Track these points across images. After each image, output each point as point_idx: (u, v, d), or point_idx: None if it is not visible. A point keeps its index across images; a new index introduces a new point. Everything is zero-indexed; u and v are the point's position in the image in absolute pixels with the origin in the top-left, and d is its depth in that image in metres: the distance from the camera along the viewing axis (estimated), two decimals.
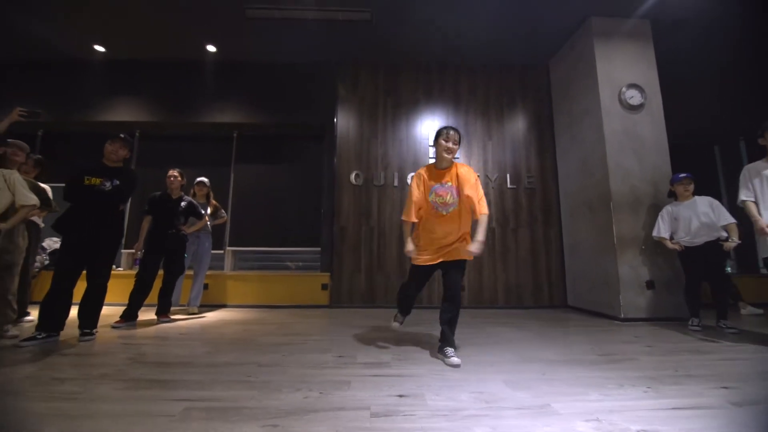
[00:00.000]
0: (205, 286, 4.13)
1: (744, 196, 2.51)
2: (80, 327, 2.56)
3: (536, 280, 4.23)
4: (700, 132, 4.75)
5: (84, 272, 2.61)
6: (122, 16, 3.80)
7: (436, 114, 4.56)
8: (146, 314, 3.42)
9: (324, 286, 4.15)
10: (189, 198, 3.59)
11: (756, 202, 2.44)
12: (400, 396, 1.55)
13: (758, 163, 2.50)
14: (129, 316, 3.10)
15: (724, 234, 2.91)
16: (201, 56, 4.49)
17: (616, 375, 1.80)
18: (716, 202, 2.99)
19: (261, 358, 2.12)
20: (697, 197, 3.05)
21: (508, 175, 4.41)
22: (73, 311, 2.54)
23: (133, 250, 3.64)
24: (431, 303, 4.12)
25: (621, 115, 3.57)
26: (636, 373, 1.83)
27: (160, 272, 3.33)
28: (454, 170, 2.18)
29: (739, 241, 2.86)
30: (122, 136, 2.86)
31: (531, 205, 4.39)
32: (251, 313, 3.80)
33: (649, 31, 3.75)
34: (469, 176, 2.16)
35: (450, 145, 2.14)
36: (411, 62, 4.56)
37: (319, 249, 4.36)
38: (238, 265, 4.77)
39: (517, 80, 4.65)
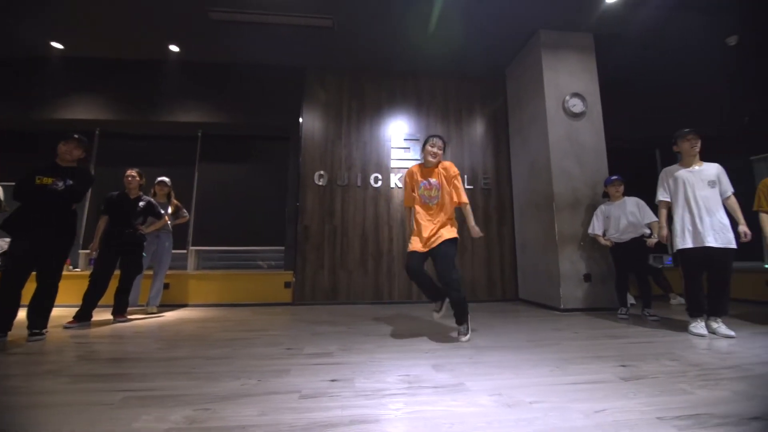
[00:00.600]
0: (166, 286, 4.13)
1: (661, 196, 2.81)
2: (29, 327, 2.55)
3: (490, 276, 4.49)
4: (642, 136, 5.15)
5: (34, 273, 2.60)
6: (81, 12, 3.73)
7: (398, 117, 4.73)
8: (103, 315, 3.41)
9: (287, 284, 4.24)
10: (148, 198, 3.59)
11: (671, 202, 2.75)
12: (332, 380, 1.68)
13: (673, 167, 2.80)
14: (82, 317, 3.08)
15: (648, 231, 3.22)
16: (164, 56, 4.46)
17: (535, 357, 2.01)
18: (642, 203, 3.30)
19: (211, 352, 2.21)
20: (626, 198, 3.36)
21: (465, 176, 4.64)
22: (23, 312, 2.53)
23: (88, 251, 3.60)
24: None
25: (564, 121, 3.85)
26: (553, 355, 2.05)
27: (117, 272, 3.34)
28: (439, 168, 2.60)
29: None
30: (76, 136, 2.86)
31: (487, 205, 4.64)
32: (213, 311, 3.84)
33: (592, 43, 4.06)
34: (450, 172, 2.58)
35: (435, 150, 2.58)
36: (375, 68, 4.72)
37: (283, 248, 4.44)
38: (202, 264, 4.77)
39: (476, 86, 4.89)
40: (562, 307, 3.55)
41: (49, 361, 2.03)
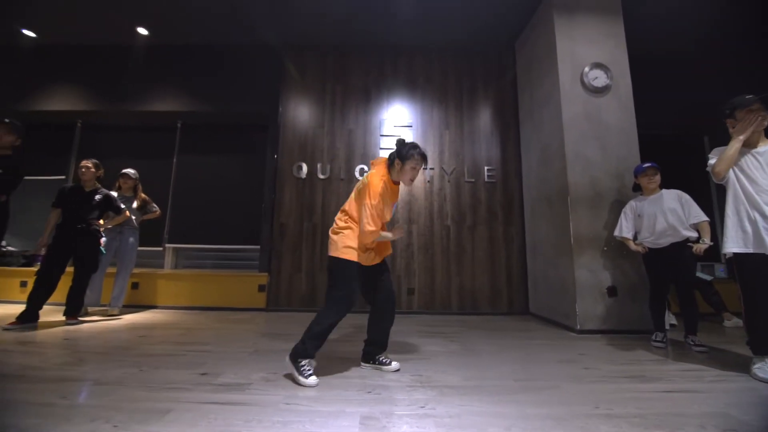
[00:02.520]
0: (135, 285, 3.85)
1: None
2: None
3: (494, 284, 3.81)
4: (685, 120, 4.26)
5: None
6: None
7: (389, 102, 4.17)
8: (56, 315, 3.15)
9: (261, 288, 3.81)
10: (106, 191, 3.29)
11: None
12: None
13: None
14: (26, 318, 2.83)
15: (695, 234, 2.46)
16: (132, 40, 4.18)
17: (515, 413, 1.41)
18: (686, 196, 2.54)
19: (111, 373, 1.80)
20: (665, 191, 2.61)
21: (466, 168, 4.00)
22: None
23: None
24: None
25: (583, 98, 3.13)
26: (543, 409, 1.44)
27: (69, 270, 3.05)
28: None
29: (711, 243, 2.42)
30: (7, 120, 2.60)
31: (491, 201, 3.97)
32: (177, 315, 3.49)
33: (619, 4, 3.30)
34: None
35: (416, 175, 1.96)
36: (360, 45, 4.18)
37: (258, 247, 4.02)
38: (183, 263, 4.47)
39: (479, 64, 4.23)
40: (578, 327, 2.84)
41: None
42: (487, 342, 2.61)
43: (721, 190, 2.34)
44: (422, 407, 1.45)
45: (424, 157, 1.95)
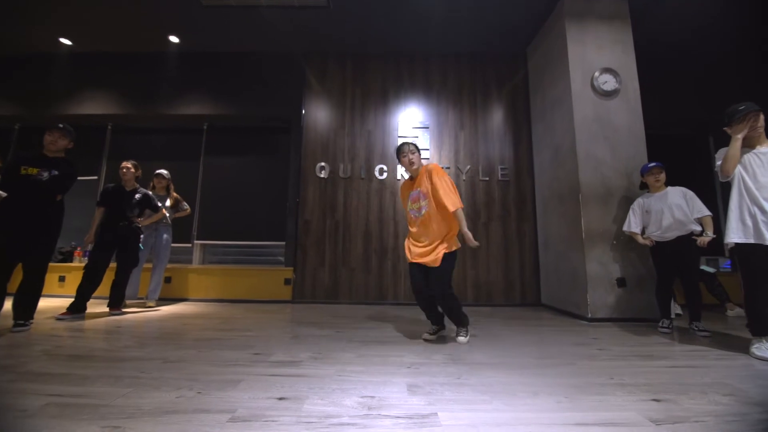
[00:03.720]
0: (168, 280, 4.08)
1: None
2: (14, 318, 2.52)
3: (508, 277, 4.02)
4: (691, 120, 4.43)
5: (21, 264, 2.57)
6: (86, 7, 3.75)
7: (406, 104, 4.37)
8: (101, 307, 3.39)
9: (287, 281, 4.04)
10: (144, 190, 3.53)
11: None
12: (280, 399, 1.41)
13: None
14: (76, 309, 3.06)
15: (699, 228, 2.65)
16: (165, 47, 4.41)
17: (539, 381, 1.62)
18: (690, 193, 2.73)
19: (174, 353, 2.02)
20: (669, 188, 2.80)
21: (480, 167, 4.20)
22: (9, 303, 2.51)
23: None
24: (396, 299, 3.97)
25: (593, 101, 3.32)
26: (564, 379, 1.65)
27: (113, 265, 3.29)
28: (422, 175, 2.30)
29: (714, 236, 2.61)
30: (61, 126, 2.82)
31: (504, 198, 4.17)
32: (210, 307, 3.73)
33: (627, 11, 3.47)
34: (432, 172, 2.26)
35: (408, 158, 2.31)
36: (379, 51, 4.39)
37: (284, 243, 4.24)
38: (210, 258, 4.71)
39: (492, 69, 4.42)
40: (589, 316, 3.04)
41: (11, 356, 1.93)
42: (506, 328, 2.82)
43: (725, 187, 2.51)
44: (458, 378, 1.66)
45: (399, 146, 2.38)
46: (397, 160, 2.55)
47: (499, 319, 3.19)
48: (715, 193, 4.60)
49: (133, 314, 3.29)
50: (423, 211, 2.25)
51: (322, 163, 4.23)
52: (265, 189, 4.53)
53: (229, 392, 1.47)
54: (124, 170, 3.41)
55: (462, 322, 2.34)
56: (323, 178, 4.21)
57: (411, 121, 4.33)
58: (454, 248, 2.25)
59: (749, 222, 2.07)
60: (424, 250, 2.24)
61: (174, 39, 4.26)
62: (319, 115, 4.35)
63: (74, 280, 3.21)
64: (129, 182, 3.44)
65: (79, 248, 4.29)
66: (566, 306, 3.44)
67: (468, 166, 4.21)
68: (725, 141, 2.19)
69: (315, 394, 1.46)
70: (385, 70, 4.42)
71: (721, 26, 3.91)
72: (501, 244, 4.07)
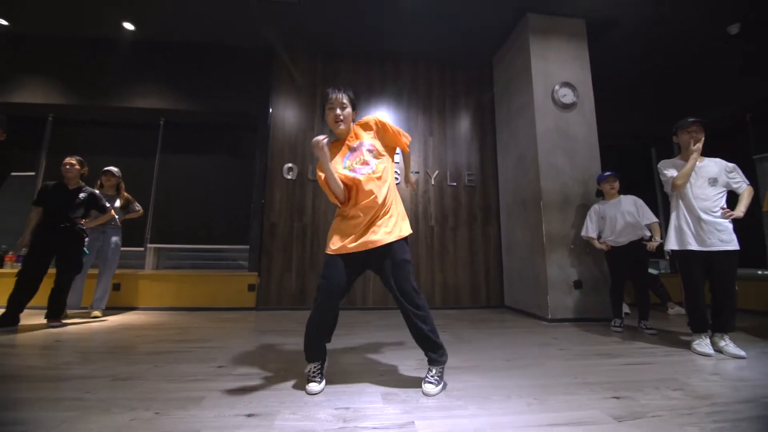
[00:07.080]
0: (116, 287, 3.74)
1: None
2: None
3: (474, 281, 4.13)
4: (637, 133, 4.84)
5: None
6: None
7: (377, 106, 4.37)
8: (37, 318, 3.03)
9: (251, 287, 3.86)
10: (90, 189, 3.21)
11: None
12: (249, 415, 1.32)
13: (670, 160, 2.47)
14: (6, 321, 2.72)
15: (648, 233, 2.89)
16: (118, 34, 4.06)
17: (510, 384, 1.66)
18: (640, 201, 2.97)
19: (124, 369, 1.84)
20: (622, 196, 3.03)
21: (448, 172, 4.29)
22: None
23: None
24: (365, 304, 3.94)
25: (554, 112, 3.52)
26: (533, 381, 1.70)
27: (52, 271, 2.95)
28: (356, 128, 1.69)
29: (661, 240, 2.84)
30: None
31: (471, 203, 4.28)
32: (165, 316, 3.46)
33: (584, 30, 3.73)
34: (379, 123, 1.69)
35: (335, 113, 1.60)
36: (350, 51, 4.35)
37: (247, 247, 4.05)
38: (164, 264, 4.38)
39: (461, 74, 4.54)
40: (549, 317, 3.20)
41: None
42: (475, 331, 2.88)
43: (666, 195, 2.78)
44: None
45: (327, 95, 1.65)
46: None
47: (467, 322, 3.26)
48: (656, 201, 5.04)
49: (76, 326, 2.97)
50: (374, 167, 1.60)
51: (290, 164, 4.09)
52: (227, 190, 4.30)
53: (191, 411, 1.35)
54: (68, 167, 3.09)
55: (438, 359, 1.63)
56: (291, 179, 4.08)
57: None
58: (408, 231, 1.67)
59: (686, 230, 2.28)
60: (368, 227, 1.58)
61: (129, 26, 3.92)
62: (287, 114, 4.22)
63: (5, 288, 2.84)
64: (73, 180, 3.11)
65: (11, 252, 3.80)
66: (528, 307, 3.59)
67: (436, 171, 4.28)
68: (667, 153, 2.41)
69: (286, 408, 1.39)
70: (356, 72, 4.37)
71: (669, 48, 4.30)
72: (467, 248, 4.18)
